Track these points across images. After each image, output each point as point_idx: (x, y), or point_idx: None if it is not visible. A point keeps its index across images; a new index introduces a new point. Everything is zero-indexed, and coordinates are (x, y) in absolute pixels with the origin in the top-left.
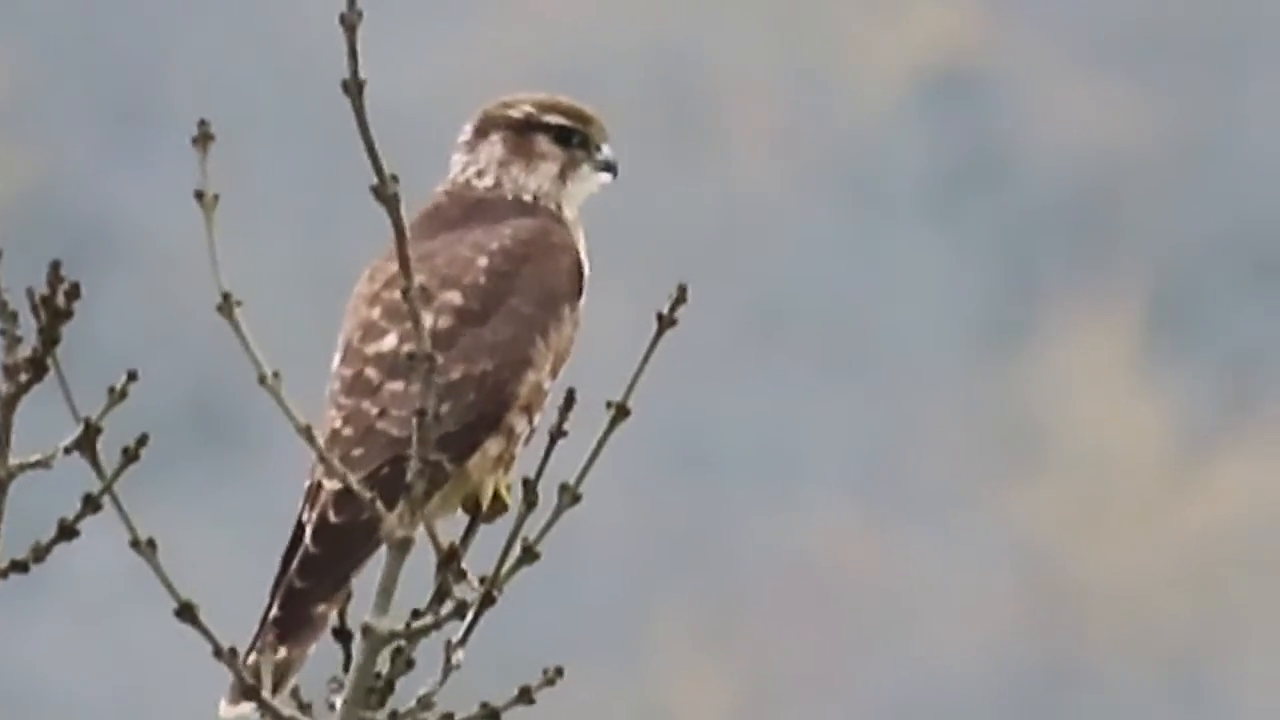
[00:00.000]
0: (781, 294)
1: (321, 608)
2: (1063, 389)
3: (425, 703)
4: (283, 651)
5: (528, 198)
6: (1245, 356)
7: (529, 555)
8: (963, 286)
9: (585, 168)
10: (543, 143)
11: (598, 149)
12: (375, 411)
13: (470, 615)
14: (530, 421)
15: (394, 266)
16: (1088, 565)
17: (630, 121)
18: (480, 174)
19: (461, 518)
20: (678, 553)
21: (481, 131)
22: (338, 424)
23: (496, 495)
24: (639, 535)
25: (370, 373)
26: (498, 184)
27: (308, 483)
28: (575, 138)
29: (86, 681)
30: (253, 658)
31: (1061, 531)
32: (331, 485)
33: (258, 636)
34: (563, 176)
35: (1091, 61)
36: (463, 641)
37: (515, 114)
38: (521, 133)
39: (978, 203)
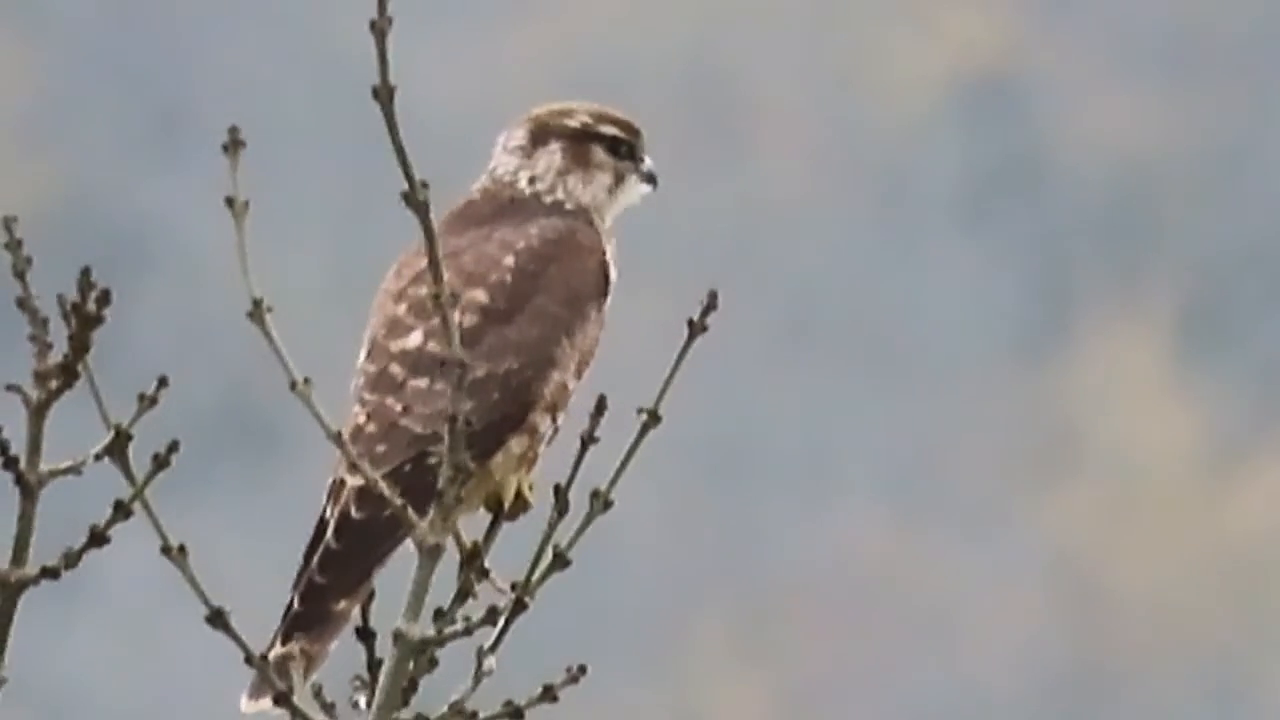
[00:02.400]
0: (815, 301)
1: (342, 604)
2: (1096, 396)
3: (457, 708)
4: (307, 647)
5: (570, 205)
6: (1278, 364)
7: (560, 561)
8: (997, 294)
9: (632, 178)
10: (598, 153)
11: (641, 160)
12: (399, 408)
13: (501, 621)
14: (554, 421)
15: (422, 262)
16: (1121, 572)
17: (663, 128)
18: (534, 179)
19: (483, 516)
20: (712, 559)
21: (539, 139)
22: (362, 420)
23: (519, 494)
24: (672, 541)
25: (395, 369)
26: (551, 190)
27: (331, 479)
28: (624, 148)
29: (118, 686)
30: (278, 651)
31: (1094, 538)
32: (354, 481)
33: (278, 632)
34: (619, 187)
35: (1125, 69)
36: (494, 648)
37: (573, 123)
38: (579, 142)
39: (1012, 210)
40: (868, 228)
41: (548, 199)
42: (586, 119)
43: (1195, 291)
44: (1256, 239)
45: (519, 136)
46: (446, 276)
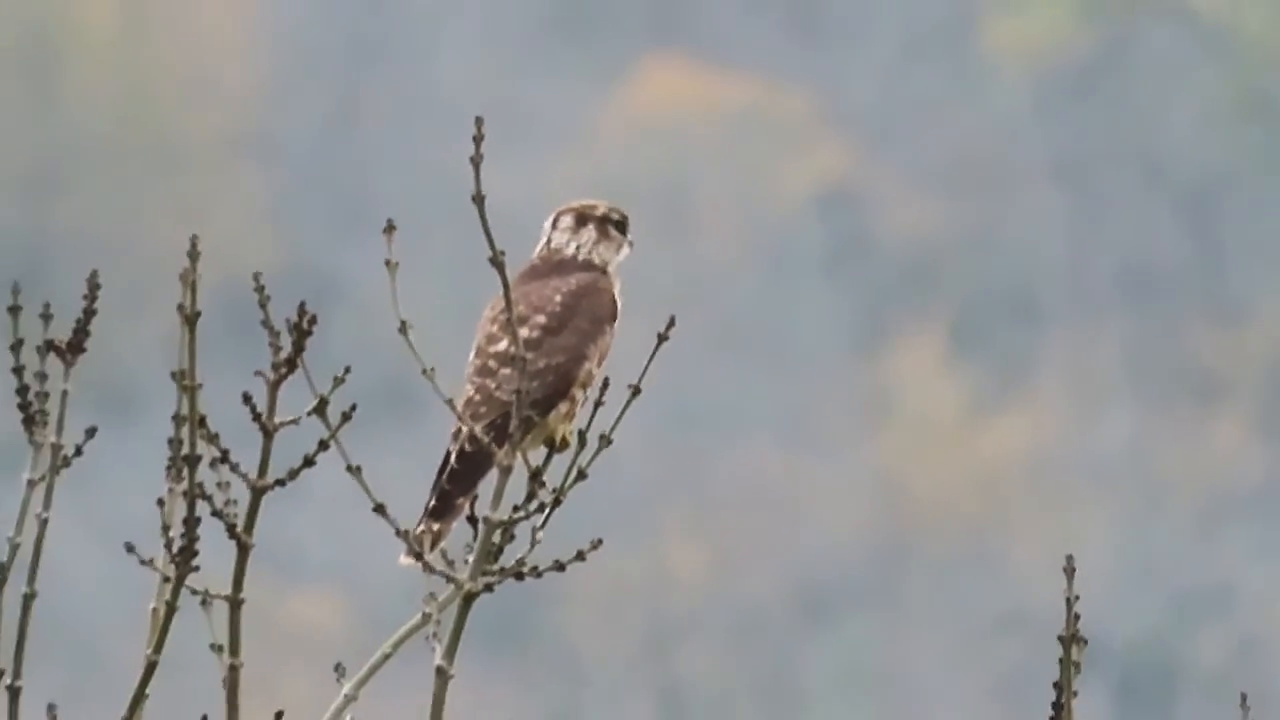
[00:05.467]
0: (733, 321)
1: (460, 501)
2: (903, 376)
3: (521, 563)
4: (437, 527)
5: (596, 261)
6: (1009, 360)
7: (581, 475)
8: (845, 314)
9: (625, 245)
10: (612, 230)
11: (628, 233)
12: (493, 386)
13: (548, 511)
14: (585, 393)
15: (503, 303)
16: (918, 483)
17: (641, 215)
18: (578, 248)
19: (542, 451)
20: (672, 476)
21: (582, 221)
22: (471, 393)
23: (563, 437)
24: (648, 465)
25: (490, 363)
26: (588, 254)
27: (452, 430)
28: (623, 227)
29: (325, 553)
30: (418, 529)
31: (902, 463)
32: (464, 431)
33: (422, 518)
34: (617, 251)
35: (923, 183)
36: (543, 526)
37: (600, 212)
38: (603, 225)
39: (854, 265)
40: (767, 278)
41: (582, 258)
42: (606, 210)
43: (961, 314)
44: (998, 284)
45: (569, 222)
46: (520, 308)
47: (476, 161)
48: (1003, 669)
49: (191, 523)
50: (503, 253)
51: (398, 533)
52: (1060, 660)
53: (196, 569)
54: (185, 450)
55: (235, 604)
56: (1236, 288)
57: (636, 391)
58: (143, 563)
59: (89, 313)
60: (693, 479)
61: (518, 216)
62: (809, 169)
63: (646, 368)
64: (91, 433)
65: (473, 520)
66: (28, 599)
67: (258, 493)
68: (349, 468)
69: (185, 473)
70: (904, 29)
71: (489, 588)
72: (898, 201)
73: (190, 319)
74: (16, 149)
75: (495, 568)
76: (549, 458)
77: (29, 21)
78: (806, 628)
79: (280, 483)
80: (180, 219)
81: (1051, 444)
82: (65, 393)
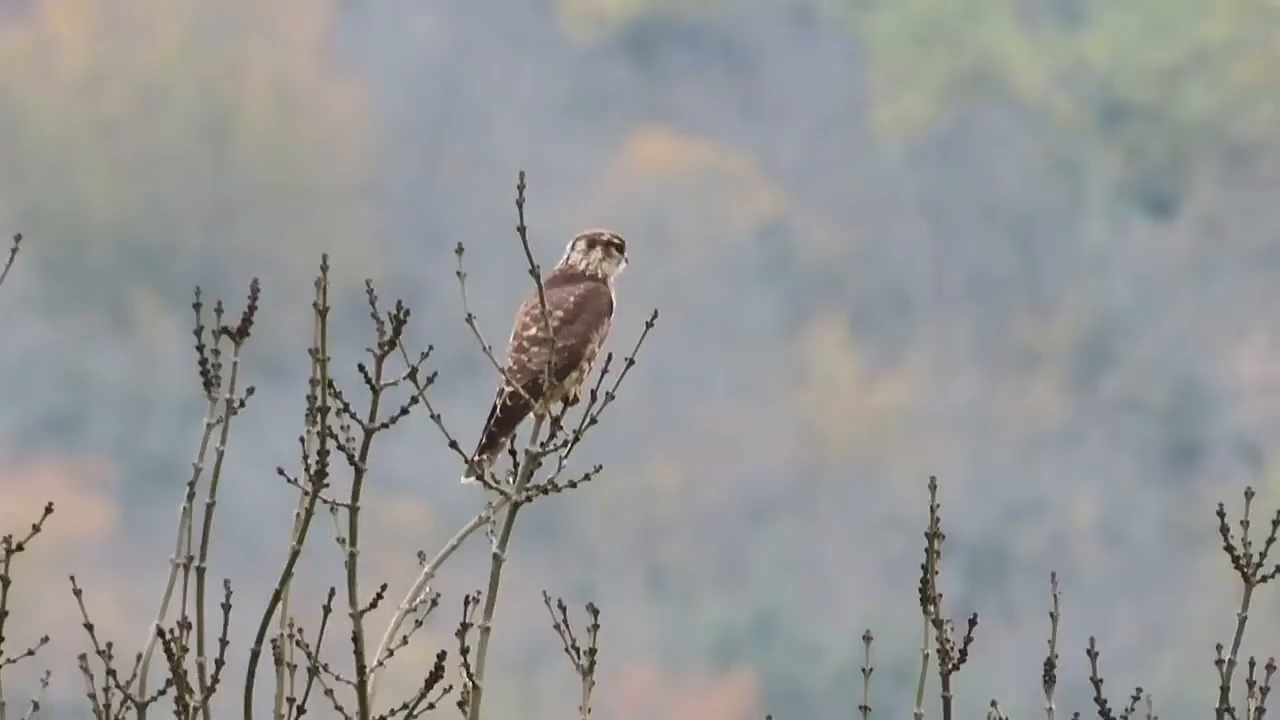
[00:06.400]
0: (700, 314)
1: (504, 439)
2: (817, 353)
3: (551, 480)
4: (488, 457)
5: (600, 274)
6: (890, 341)
7: (592, 421)
8: (775, 310)
9: (623, 262)
10: (614, 252)
11: (625, 253)
12: (526, 360)
13: (568, 446)
14: (590, 365)
15: (536, 300)
16: (829, 424)
17: (633, 240)
18: (588, 265)
19: (560, 405)
20: (654, 422)
21: (591, 245)
22: (510, 364)
23: (575, 395)
24: (637, 415)
25: (525, 344)
26: (595, 269)
27: (498, 388)
28: (622, 250)
29: (414, 474)
30: (476, 457)
31: (816, 413)
32: (507, 390)
33: (477, 451)
34: (617, 266)
35: (830, 219)
36: (565, 456)
37: (606, 238)
38: (608, 247)
39: (782, 277)
40: (722, 283)
41: (589, 272)
42: (610, 237)
43: (857, 310)
44: (882, 288)
45: (582, 245)
46: (548, 306)
47: (520, 203)
48: (887, 557)
49: (323, 453)
50: (538, 267)
51: (465, 460)
52: (926, 550)
53: (326, 485)
54: (319, 403)
55: (353, 510)
56: (1048, 291)
57: (630, 363)
58: (290, 481)
59: (251, 308)
60: (669, 423)
61: (547, 241)
62: (751, 208)
63: (638, 346)
64: (251, 391)
65: (513, 452)
66: (209, 507)
67: (368, 433)
68: (432, 416)
69: (318, 419)
70: (817, 111)
71: (528, 499)
72: (813, 231)
73: (321, 312)
74: (201, 194)
75: (532, 485)
76: (565, 409)
77: (211, 106)
78: (750, 527)
79: (384, 426)
80: (315, 242)
81: (920, 400)
82: (235, 364)
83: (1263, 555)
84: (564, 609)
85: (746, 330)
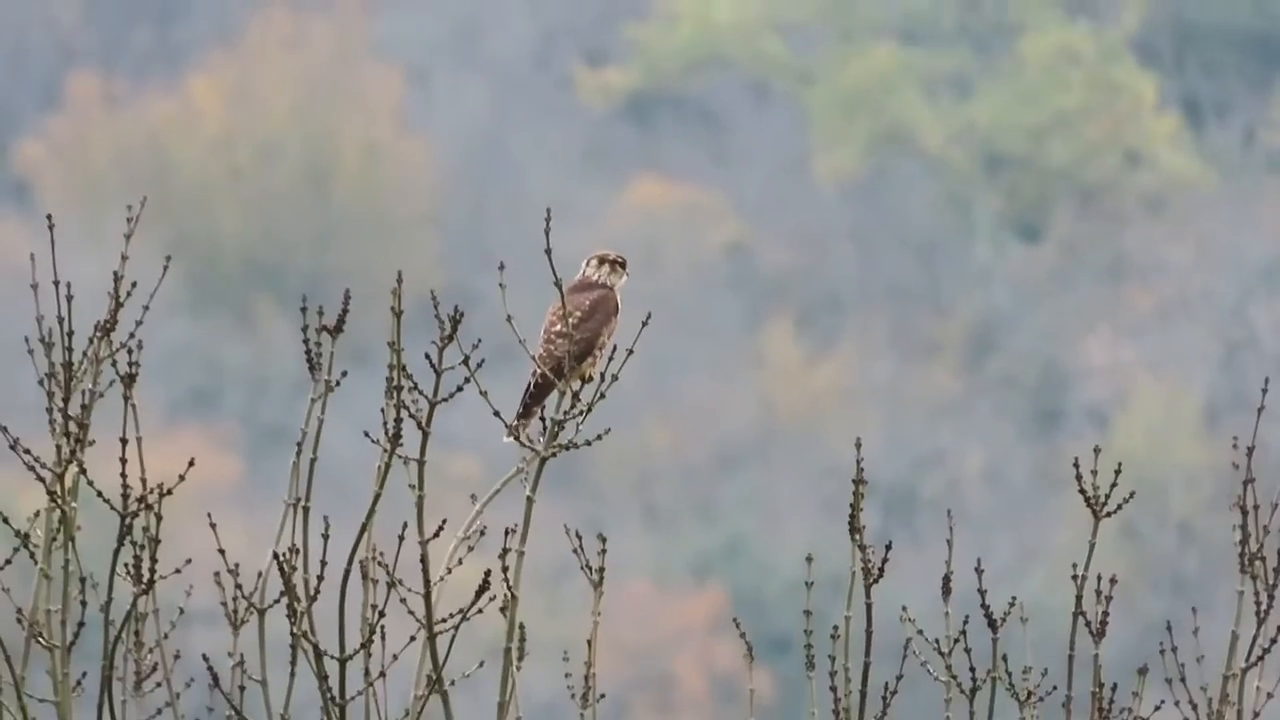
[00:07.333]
0: (683, 315)
1: (536, 409)
2: (772, 344)
3: (571, 438)
4: (524, 423)
5: (609, 284)
6: (827, 335)
7: (601, 396)
8: (740, 311)
9: (625, 275)
10: (619, 268)
11: (627, 268)
12: (553, 349)
13: (584, 415)
14: (602, 353)
15: (559, 304)
16: (780, 400)
17: (633, 259)
18: (600, 277)
19: (578, 384)
20: (649, 397)
21: (601, 262)
22: (541, 353)
23: (590, 376)
24: (640, 394)
25: (551, 336)
26: (604, 280)
27: (531, 370)
28: (625, 266)
29: (469, 436)
30: (514, 423)
31: (771, 388)
32: (538, 372)
33: (515, 418)
34: (621, 278)
35: (782, 243)
36: (582, 421)
37: (612, 257)
38: (614, 264)
39: (745, 285)
40: (699, 291)
41: (600, 282)
42: (615, 256)
43: (802, 311)
44: (821, 294)
45: (594, 262)
46: (568, 307)
47: (547, 231)
48: (825, 498)
49: (398, 421)
50: (560, 280)
51: (506, 425)
52: (853, 493)
53: (401, 445)
54: (395, 383)
55: (420, 464)
56: (946, 297)
57: (630, 353)
58: (373, 442)
59: (344, 311)
60: (660, 397)
61: (567, 261)
62: (720, 234)
63: (636, 339)
64: (344, 374)
65: (543, 419)
66: (313, 462)
67: (432, 405)
68: (481, 392)
69: (395, 394)
70: (771, 161)
71: (554, 454)
72: (768, 252)
73: (397, 315)
74: (307, 224)
75: (556, 444)
76: (582, 386)
77: (314, 158)
78: (721, 474)
79: (445, 400)
80: (392, 262)
81: (849, 380)
82: (332, 354)
83: (1107, 496)
84: (580, 538)
85: (717, 327)
